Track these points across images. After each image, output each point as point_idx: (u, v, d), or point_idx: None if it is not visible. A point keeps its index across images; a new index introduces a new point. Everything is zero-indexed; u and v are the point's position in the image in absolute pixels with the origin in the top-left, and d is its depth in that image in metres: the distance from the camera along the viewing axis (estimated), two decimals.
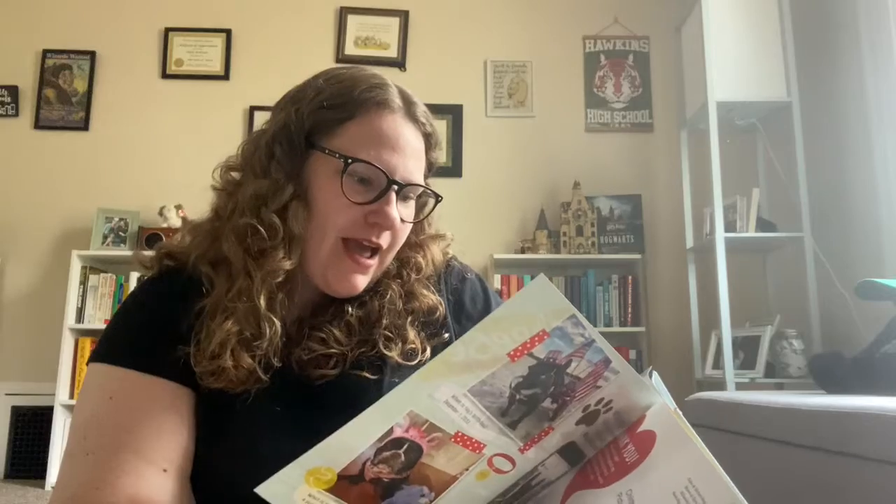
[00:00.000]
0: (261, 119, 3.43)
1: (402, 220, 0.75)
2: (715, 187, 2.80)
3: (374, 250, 0.76)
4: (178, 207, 3.22)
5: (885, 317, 1.87)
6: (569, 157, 3.46)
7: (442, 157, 3.64)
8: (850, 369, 1.73)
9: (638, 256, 3.25)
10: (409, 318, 0.79)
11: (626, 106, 3.52)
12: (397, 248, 0.79)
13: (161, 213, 3.21)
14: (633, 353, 3.18)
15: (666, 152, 3.44)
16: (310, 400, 0.72)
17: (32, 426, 3.12)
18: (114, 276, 3.17)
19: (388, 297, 0.78)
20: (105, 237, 3.22)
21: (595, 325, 3.23)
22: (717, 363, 2.83)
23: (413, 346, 0.77)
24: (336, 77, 0.78)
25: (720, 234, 2.77)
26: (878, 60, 2.53)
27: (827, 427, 1.32)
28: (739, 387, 2.66)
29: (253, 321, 0.71)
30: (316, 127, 0.75)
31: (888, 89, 2.49)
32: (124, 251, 3.18)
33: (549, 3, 3.61)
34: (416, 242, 0.83)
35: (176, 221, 3.19)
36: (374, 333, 0.76)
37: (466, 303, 0.84)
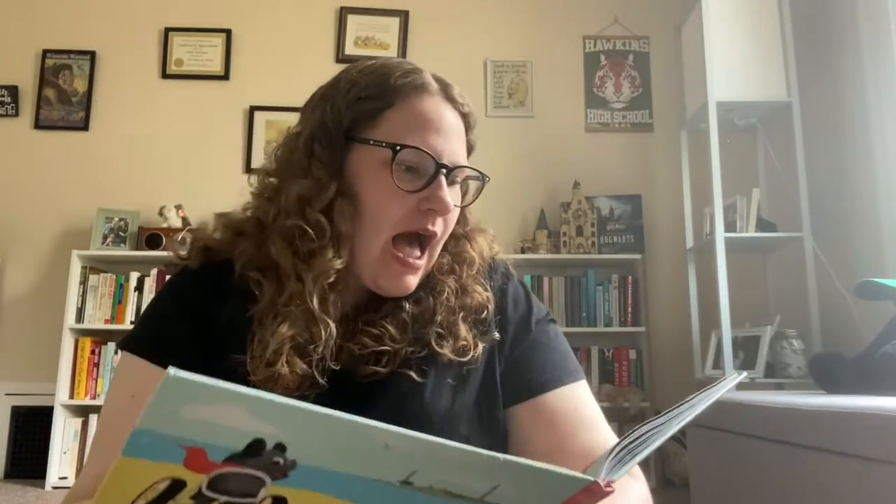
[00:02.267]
0: (261, 119, 3.45)
1: (454, 205, 0.74)
2: (715, 187, 2.80)
3: (423, 247, 0.74)
4: (178, 207, 3.21)
5: (885, 317, 1.87)
6: (569, 157, 3.45)
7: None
8: (850, 369, 1.73)
9: (638, 256, 3.25)
10: (462, 314, 0.76)
11: (626, 106, 3.52)
12: (447, 236, 0.77)
13: (161, 213, 3.21)
14: (633, 353, 3.19)
15: (666, 152, 3.44)
16: (352, 399, 0.71)
17: (32, 426, 3.11)
18: (114, 276, 3.17)
19: (445, 294, 0.76)
20: (105, 237, 3.22)
21: (595, 326, 3.23)
22: (717, 363, 2.83)
23: (465, 342, 0.75)
24: (368, 68, 0.76)
25: (720, 234, 2.77)
26: (878, 60, 2.53)
27: (827, 427, 1.32)
28: (739, 387, 2.66)
29: (307, 324, 0.69)
30: (355, 120, 0.73)
31: (888, 89, 2.49)
32: (124, 251, 3.18)
33: (549, 3, 3.61)
34: (462, 235, 0.81)
35: (176, 221, 3.19)
36: (427, 331, 0.74)
37: (508, 307, 0.81)
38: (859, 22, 2.62)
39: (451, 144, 0.74)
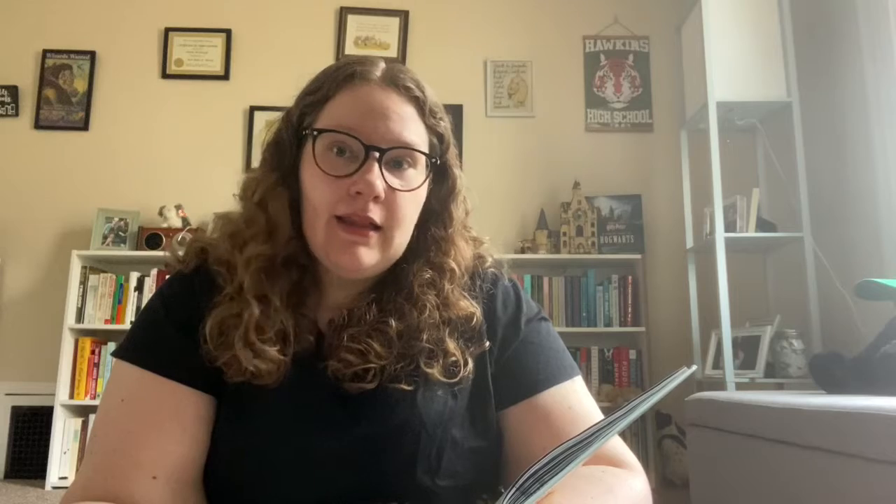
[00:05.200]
0: (260, 119, 3.45)
1: (395, 189, 0.71)
2: (715, 187, 2.80)
3: (375, 226, 0.72)
4: (178, 207, 3.21)
5: (885, 317, 1.87)
6: (569, 157, 3.46)
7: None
8: (850, 369, 1.74)
9: (638, 256, 3.25)
10: (448, 330, 0.76)
11: (626, 106, 3.52)
12: (402, 223, 0.74)
13: (161, 213, 3.21)
14: (633, 353, 3.19)
15: (666, 152, 3.44)
16: (344, 405, 0.72)
17: (32, 426, 3.11)
18: (114, 276, 3.17)
19: (427, 310, 0.75)
20: (105, 237, 3.22)
21: (595, 325, 3.24)
22: (717, 363, 2.83)
23: (454, 358, 0.74)
24: (328, 67, 0.78)
25: (720, 234, 2.77)
26: (878, 60, 2.53)
27: (827, 427, 1.32)
28: (739, 387, 2.66)
29: (238, 307, 0.72)
30: (302, 116, 0.76)
31: (888, 89, 2.49)
32: (124, 251, 3.18)
33: (549, 3, 3.61)
34: (444, 237, 0.79)
35: (176, 221, 3.19)
36: (414, 347, 0.74)
37: (498, 310, 0.81)
38: (859, 22, 2.62)
39: (388, 126, 0.71)
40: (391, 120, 0.72)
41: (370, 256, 0.72)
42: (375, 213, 0.71)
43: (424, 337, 0.74)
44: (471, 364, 0.75)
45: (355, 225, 0.71)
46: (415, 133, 0.74)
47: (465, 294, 0.79)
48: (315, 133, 0.72)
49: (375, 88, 0.73)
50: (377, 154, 0.70)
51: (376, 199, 0.70)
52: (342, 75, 0.74)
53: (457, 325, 0.77)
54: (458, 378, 0.74)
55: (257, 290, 0.72)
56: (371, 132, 0.71)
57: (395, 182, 0.72)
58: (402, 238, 0.75)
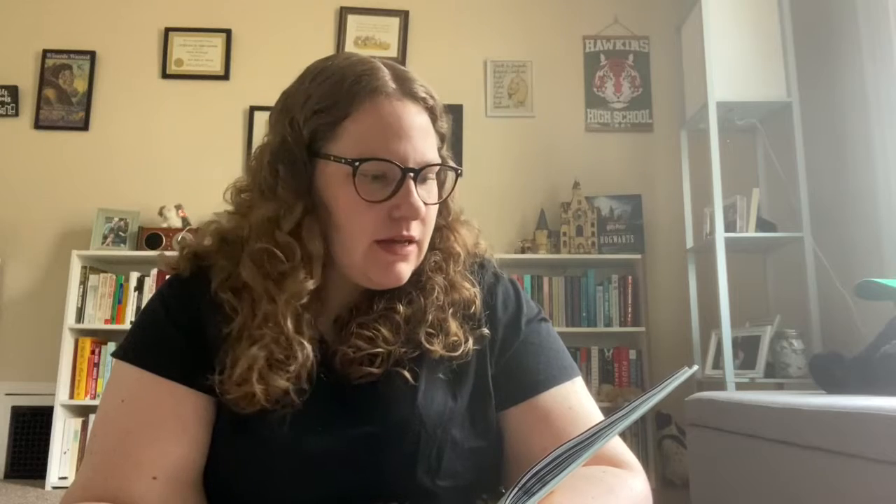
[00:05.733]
0: (261, 119, 3.45)
1: (427, 204, 0.72)
2: (715, 187, 2.80)
3: (410, 241, 0.73)
4: (178, 207, 3.21)
5: (885, 317, 1.87)
6: (569, 157, 3.46)
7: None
8: (850, 369, 1.74)
9: (638, 256, 3.25)
10: (451, 311, 0.77)
11: (626, 106, 3.52)
12: (431, 230, 0.76)
13: (161, 213, 3.21)
14: (633, 353, 3.19)
15: (666, 152, 3.44)
16: (343, 403, 0.72)
17: (32, 426, 3.11)
18: (114, 276, 3.17)
19: (435, 293, 0.77)
20: (105, 237, 3.22)
21: (595, 326, 3.24)
22: (717, 363, 2.83)
23: (456, 338, 0.75)
24: (322, 74, 0.75)
25: (720, 234, 2.77)
26: (878, 60, 2.53)
27: (827, 427, 1.32)
28: (739, 387, 2.66)
29: (281, 346, 0.69)
30: (314, 134, 0.72)
31: (888, 89, 2.49)
32: (124, 251, 3.18)
33: (549, 3, 3.61)
34: (445, 226, 0.81)
35: (176, 221, 3.19)
36: (419, 331, 0.75)
37: (498, 308, 0.81)
38: (859, 22, 2.62)
39: (415, 145, 0.71)
40: (415, 138, 0.72)
41: (409, 269, 0.74)
42: (415, 231, 0.72)
43: (429, 318, 0.75)
44: (471, 342, 0.76)
45: (395, 243, 0.72)
46: (432, 146, 0.75)
47: (469, 276, 0.81)
48: (356, 163, 0.69)
49: (394, 102, 0.72)
50: (412, 175, 0.71)
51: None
52: (357, 91, 0.71)
53: (459, 307, 0.78)
54: (458, 353, 0.75)
55: (298, 329, 0.70)
56: (403, 153, 0.71)
57: (426, 197, 0.73)
58: (428, 242, 0.77)
